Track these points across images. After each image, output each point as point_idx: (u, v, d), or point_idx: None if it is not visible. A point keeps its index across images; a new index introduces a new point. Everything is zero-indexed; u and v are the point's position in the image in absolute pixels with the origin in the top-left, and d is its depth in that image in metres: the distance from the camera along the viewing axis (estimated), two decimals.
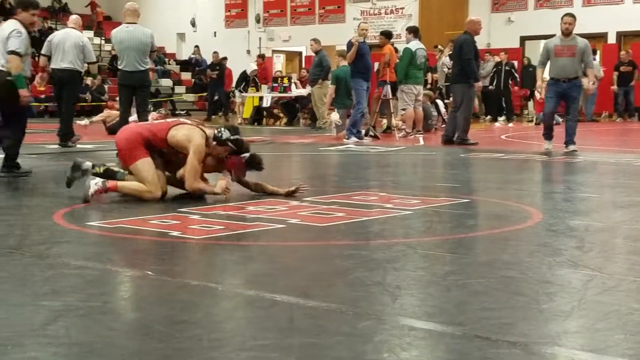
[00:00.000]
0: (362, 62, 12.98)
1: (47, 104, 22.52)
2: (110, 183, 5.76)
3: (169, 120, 6.32)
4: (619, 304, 3.13)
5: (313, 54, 17.10)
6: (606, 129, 17.09)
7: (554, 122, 18.40)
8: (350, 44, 13.05)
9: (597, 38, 20.92)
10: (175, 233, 4.50)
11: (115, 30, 10.10)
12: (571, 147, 10.37)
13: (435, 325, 2.76)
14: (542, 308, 3.02)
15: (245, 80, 20.82)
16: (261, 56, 22.77)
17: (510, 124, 18.65)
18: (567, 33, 10.52)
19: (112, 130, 13.26)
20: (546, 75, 10.94)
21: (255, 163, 5.91)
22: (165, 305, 3.04)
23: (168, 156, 5.88)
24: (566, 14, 10.91)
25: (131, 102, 9.83)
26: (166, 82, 25.49)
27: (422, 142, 12.83)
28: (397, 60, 13.96)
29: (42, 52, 10.90)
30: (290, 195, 5.87)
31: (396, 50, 14.72)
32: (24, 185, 7.09)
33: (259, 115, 19.58)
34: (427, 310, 3.02)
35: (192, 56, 26.57)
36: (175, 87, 25.65)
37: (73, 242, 4.33)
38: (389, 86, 13.86)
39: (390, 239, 4.56)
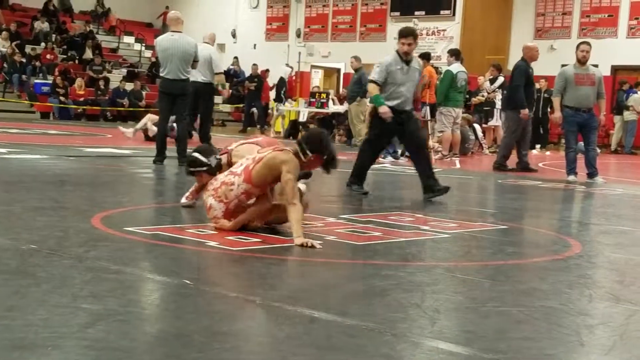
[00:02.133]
0: None
1: (85, 107, 22.81)
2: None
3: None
4: None
5: (352, 71, 17.12)
6: None
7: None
8: None
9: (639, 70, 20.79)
10: (212, 243, 4.51)
11: (160, 37, 10.20)
12: (598, 179, 10.17)
13: (474, 351, 2.73)
14: (583, 341, 2.97)
15: (283, 87, 20.81)
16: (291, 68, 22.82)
17: (548, 152, 18.50)
18: (584, 61, 10.35)
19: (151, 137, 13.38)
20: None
21: (332, 162, 5.06)
22: (203, 315, 3.03)
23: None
24: (583, 42, 10.80)
25: (171, 110, 9.90)
26: None
27: (458, 165, 12.77)
28: (437, 82, 13.93)
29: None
30: (302, 245, 4.59)
31: (437, 70, 14.69)
32: (61, 187, 7.17)
33: (294, 129, 19.64)
34: (467, 335, 2.98)
35: (231, 67, 26.77)
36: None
37: (111, 247, 4.35)
38: (427, 107, 13.83)
39: (427, 261, 4.53)
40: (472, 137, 15.75)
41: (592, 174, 10.31)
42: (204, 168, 5.52)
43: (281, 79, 21.12)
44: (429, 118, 14.12)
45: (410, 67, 7.57)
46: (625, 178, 12.04)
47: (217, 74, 12.23)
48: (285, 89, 21.47)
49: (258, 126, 21.69)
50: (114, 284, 3.43)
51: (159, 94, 10.19)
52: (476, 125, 16.43)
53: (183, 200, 5.95)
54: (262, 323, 2.98)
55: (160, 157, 9.69)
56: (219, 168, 5.47)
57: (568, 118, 10.35)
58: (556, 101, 10.81)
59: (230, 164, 5.39)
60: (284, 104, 20.65)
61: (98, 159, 10.34)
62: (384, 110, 7.43)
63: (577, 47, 10.55)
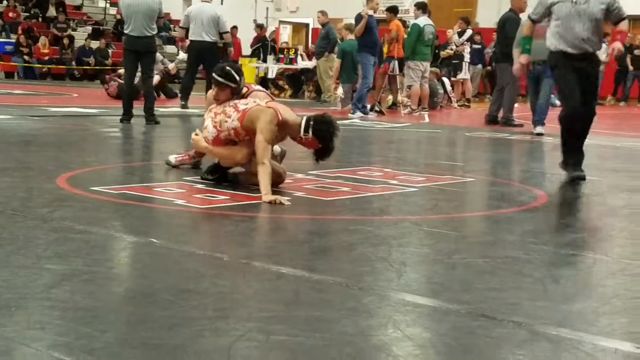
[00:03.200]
0: (370, 36, 12.90)
1: (50, 66, 22.46)
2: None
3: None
4: (624, 287, 3.12)
5: (320, 27, 16.99)
6: (611, 112, 17.02)
7: (559, 103, 18.31)
8: (359, 17, 12.96)
9: None
10: (180, 202, 4.49)
11: None
12: (539, 129, 10.07)
13: (440, 302, 2.75)
14: (547, 289, 3.01)
15: (263, 46, 20.46)
16: (259, 26, 22.58)
17: (516, 105, 18.53)
18: (524, 11, 10.09)
19: (117, 95, 13.26)
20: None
21: (325, 153, 5.05)
22: (170, 273, 3.03)
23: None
24: None
25: (136, 67, 9.77)
26: (171, 49, 25.35)
27: (427, 120, 12.78)
28: (405, 36, 13.87)
29: (181, 24, 12.49)
30: (269, 202, 4.53)
31: (405, 24, 14.62)
32: (26, 148, 7.07)
33: (263, 86, 19.47)
34: (433, 287, 3.01)
35: None
36: (180, 54, 25.50)
37: (77, 207, 4.31)
38: (396, 62, 13.78)
39: (395, 215, 4.55)
40: (441, 91, 15.75)
41: (537, 121, 10.21)
42: (233, 85, 5.17)
43: (264, 37, 20.79)
44: (397, 72, 14.08)
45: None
46: (592, 128, 12.12)
47: (224, 33, 12.39)
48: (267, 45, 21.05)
49: None
50: (79, 244, 3.41)
51: (123, 51, 10.04)
52: (445, 79, 16.43)
53: (172, 158, 5.74)
54: (229, 280, 2.98)
55: (127, 116, 9.59)
56: (239, 93, 5.26)
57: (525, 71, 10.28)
58: (515, 53, 10.65)
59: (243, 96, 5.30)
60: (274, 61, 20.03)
61: (64, 118, 10.20)
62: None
63: None
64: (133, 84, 9.91)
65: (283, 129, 4.97)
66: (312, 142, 4.96)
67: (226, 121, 4.98)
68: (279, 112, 4.88)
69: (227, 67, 5.28)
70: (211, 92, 5.30)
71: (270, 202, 4.48)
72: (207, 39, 11.99)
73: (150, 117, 9.61)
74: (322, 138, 4.91)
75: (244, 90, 5.34)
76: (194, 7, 12.44)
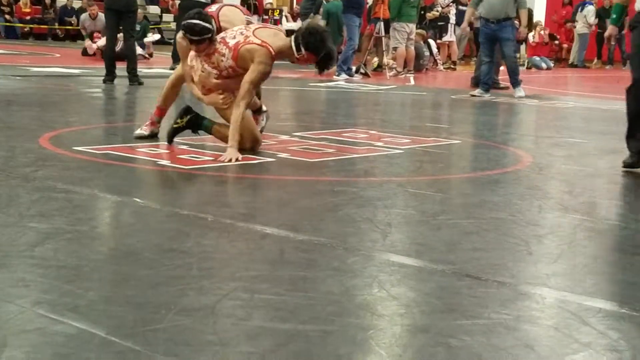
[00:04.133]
0: None
1: (32, 26, 22.16)
2: None
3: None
4: (607, 248, 3.14)
5: None
6: (597, 75, 17.04)
7: (545, 66, 18.26)
8: None
9: None
10: (164, 162, 4.46)
11: None
12: (518, 92, 9.91)
13: (425, 263, 2.76)
14: (531, 250, 3.02)
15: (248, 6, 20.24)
16: None
17: (502, 67, 18.51)
18: None
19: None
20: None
21: (327, 62, 4.93)
22: (154, 232, 3.01)
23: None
24: None
25: (117, 27, 9.66)
26: (154, 10, 25.05)
27: (412, 82, 12.74)
28: None
29: None
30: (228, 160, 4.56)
31: None
32: (7, 107, 6.99)
33: None
34: (418, 248, 3.01)
35: None
36: (164, 14, 25.22)
37: (60, 166, 4.27)
38: (381, 23, 13.69)
39: (380, 176, 4.54)
40: (427, 53, 15.67)
41: (513, 83, 10.08)
42: (209, 35, 4.81)
43: None
44: (383, 34, 13.98)
45: None
46: (577, 92, 12.13)
47: None
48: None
49: None
50: (62, 203, 3.38)
51: (104, 10, 9.90)
52: (431, 41, 16.34)
53: (138, 131, 5.35)
54: (213, 240, 2.97)
55: (110, 76, 9.49)
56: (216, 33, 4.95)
57: (481, 29, 10.00)
58: (468, 12, 10.49)
59: (219, 30, 5.01)
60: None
61: (46, 78, 10.09)
62: None
63: None
64: (114, 44, 9.80)
65: (279, 58, 4.89)
66: (310, 57, 4.83)
67: (222, 60, 4.81)
68: (271, 48, 4.76)
69: (195, 22, 4.80)
70: (184, 41, 4.93)
71: (229, 161, 4.44)
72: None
73: (134, 78, 9.51)
74: (316, 49, 4.79)
75: (214, 8, 5.17)
76: None
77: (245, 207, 3.61)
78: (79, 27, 22.16)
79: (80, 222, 3.11)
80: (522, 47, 20.69)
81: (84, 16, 15.25)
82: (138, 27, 19.44)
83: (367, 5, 14.82)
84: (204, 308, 2.19)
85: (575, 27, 19.60)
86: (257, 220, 3.24)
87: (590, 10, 19.09)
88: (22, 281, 2.36)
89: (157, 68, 12.59)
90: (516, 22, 10.04)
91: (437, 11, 17.22)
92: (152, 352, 1.88)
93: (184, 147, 4.97)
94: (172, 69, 11.92)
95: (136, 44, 12.80)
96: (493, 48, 9.98)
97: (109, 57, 9.59)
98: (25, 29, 22.12)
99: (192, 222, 3.20)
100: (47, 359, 1.84)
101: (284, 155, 4.88)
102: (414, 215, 3.56)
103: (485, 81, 10.00)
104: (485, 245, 3.04)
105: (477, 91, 10.05)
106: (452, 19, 17.07)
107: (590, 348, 2.04)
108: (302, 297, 2.33)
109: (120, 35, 10.21)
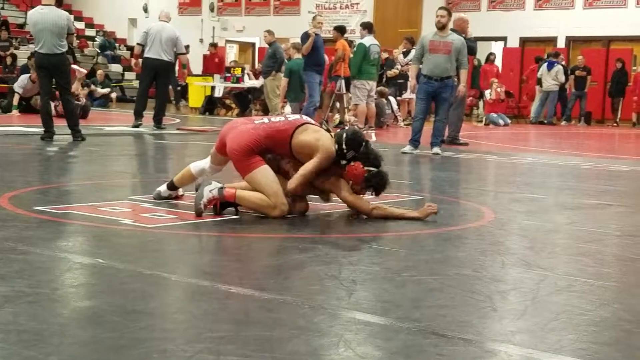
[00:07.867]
0: (316, 55, 12.96)
1: None
2: (228, 191, 4.68)
3: (290, 118, 5.09)
4: (571, 304, 3.16)
5: (267, 46, 16.99)
6: (557, 132, 17.35)
7: (502, 123, 18.54)
8: (306, 35, 13.01)
9: (547, 42, 21.26)
10: (126, 221, 4.41)
11: (30, 12, 10.03)
12: (435, 149, 9.88)
13: (391, 320, 2.75)
14: (495, 306, 3.03)
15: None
16: (214, 45, 22.52)
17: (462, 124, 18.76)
18: (439, 27, 9.79)
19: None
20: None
21: (378, 184, 4.86)
22: (117, 294, 2.97)
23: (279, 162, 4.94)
24: (440, 7, 10.29)
25: (50, 84, 9.73)
26: (116, 68, 25.10)
27: (374, 138, 12.82)
28: (351, 55, 13.96)
29: (138, 41, 12.30)
30: (427, 216, 4.84)
31: (351, 44, 14.72)
32: None
33: (210, 105, 19.40)
34: (383, 305, 3.00)
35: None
36: (125, 73, 25.26)
37: (19, 227, 4.20)
38: (342, 81, 13.85)
39: (345, 233, 4.54)
40: (388, 110, 15.86)
41: (432, 143, 9.98)
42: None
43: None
44: (344, 91, 14.14)
45: None
46: (536, 147, 12.33)
47: (182, 54, 12.64)
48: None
49: (173, 101, 21.28)
50: (22, 265, 3.32)
51: (36, 69, 9.95)
52: (391, 98, 16.55)
53: (164, 189, 5.18)
54: (177, 300, 2.93)
55: (48, 133, 9.58)
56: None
57: (420, 86, 9.97)
58: (412, 69, 10.49)
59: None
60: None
61: (6, 137, 9.99)
62: None
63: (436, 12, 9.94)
64: (49, 102, 9.84)
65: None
66: (358, 169, 4.72)
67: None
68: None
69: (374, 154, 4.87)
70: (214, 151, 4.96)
71: (428, 215, 4.78)
72: (164, 58, 12.08)
73: (77, 134, 9.58)
74: (365, 160, 4.77)
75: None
76: (154, 25, 12.29)
77: (209, 266, 3.58)
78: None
79: (41, 284, 3.06)
80: (481, 103, 21.09)
81: (23, 77, 14.99)
82: (104, 88, 19.44)
83: (328, 64, 14.99)
84: None
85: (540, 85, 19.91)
86: (221, 280, 3.21)
87: (559, 70, 19.49)
88: None
89: (119, 125, 12.56)
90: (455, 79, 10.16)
91: (397, 69, 17.50)
92: None
93: (147, 205, 4.94)
94: (135, 126, 11.96)
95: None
96: (429, 106, 10.09)
97: (45, 114, 9.65)
98: None
99: (155, 282, 3.17)
100: None
101: (249, 212, 4.86)
102: (379, 272, 3.56)
103: (416, 138, 10.01)
104: (450, 302, 3.05)
105: (407, 148, 10.04)
106: None
107: None
108: (269, 358, 2.30)
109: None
